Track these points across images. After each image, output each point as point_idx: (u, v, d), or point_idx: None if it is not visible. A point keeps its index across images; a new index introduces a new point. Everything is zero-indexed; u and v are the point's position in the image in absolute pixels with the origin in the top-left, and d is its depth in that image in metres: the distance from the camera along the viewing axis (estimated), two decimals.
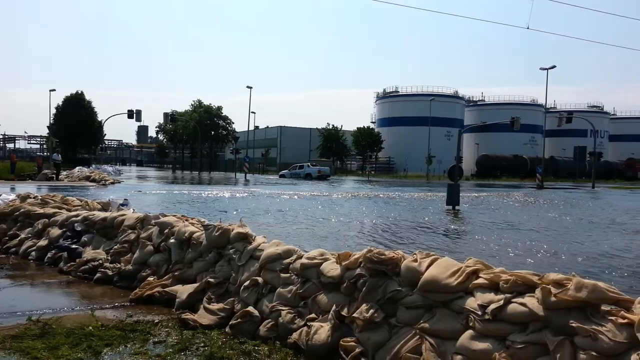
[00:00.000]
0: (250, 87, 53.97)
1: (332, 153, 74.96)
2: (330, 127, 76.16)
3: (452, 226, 12.02)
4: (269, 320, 3.97)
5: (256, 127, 79.14)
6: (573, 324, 2.67)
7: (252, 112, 62.90)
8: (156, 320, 4.26)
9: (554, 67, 41.99)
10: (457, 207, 15.79)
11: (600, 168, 62.24)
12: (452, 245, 8.78)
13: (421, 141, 66.00)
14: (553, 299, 2.77)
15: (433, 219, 12.96)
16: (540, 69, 42.53)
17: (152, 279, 5.31)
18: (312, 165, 54.08)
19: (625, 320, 2.61)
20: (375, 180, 50.47)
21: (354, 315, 3.54)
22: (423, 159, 60.51)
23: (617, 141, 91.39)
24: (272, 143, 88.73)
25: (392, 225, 11.39)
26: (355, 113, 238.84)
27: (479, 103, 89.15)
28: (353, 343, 3.44)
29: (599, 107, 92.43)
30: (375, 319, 3.44)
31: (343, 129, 76.49)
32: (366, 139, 75.72)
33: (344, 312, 3.63)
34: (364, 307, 3.54)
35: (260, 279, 4.33)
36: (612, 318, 2.66)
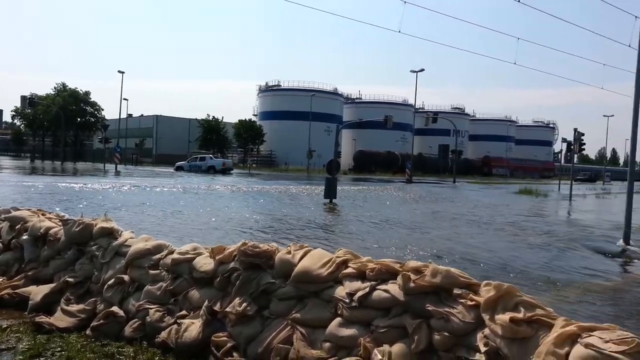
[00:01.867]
0: (122, 72, 50.70)
1: (213, 145, 73.21)
2: (211, 118, 74.27)
3: (329, 218, 12.42)
4: (136, 320, 3.76)
5: (129, 115, 74.42)
6: (429, 308, 2.89)
7: (125, 99, 59.07)
8: (4, 326, 3.82)
9: (422, 70, 45.30)
10: (334, 201, 16.34)
11: (461, 165, 68.51)
12: (327, 237, 9.06)
13: (302, 135, 67.17)
14: (412, 284, 2.98)
15: (311, 212, 13.26)
16: (411, 71, 45.63)
17: (0, 279, 4.76)
18: (215, 157, 49.49)
19: (473, 302, 2.89)
20: (257, 173, 50.34)
21: (227, 309, 3.49)
22: (304, 153, 61.62)
23: (476, 140, 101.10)
24: (147, 133, 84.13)
25: (269, 219, 11.44)
26: (237, 105, 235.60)
27: (356, 100, 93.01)
28: (225, 338, 3.39)
29: (460, 109, 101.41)
30: (248, 312, 3.43)
31: (224, 120, 75.05)
32: (248, 131, 75.10)
33: (217, 307, 3.56)
34: (237, 300, 3.51)
35: (126, 277, 4.08)
36: (463, 301, 2.93)
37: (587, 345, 2.43)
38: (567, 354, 2.50)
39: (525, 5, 16.07)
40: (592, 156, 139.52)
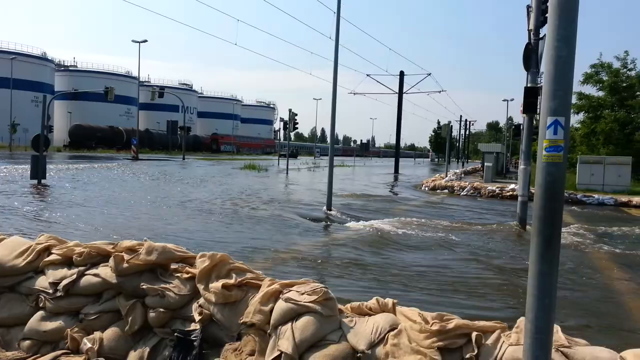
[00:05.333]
0: None
1: None
2: None
3: (35, 203, 10.88)
4: None
5: None
6: (144, 286, 2.83)
7: None
8: None
9: (145, 41, 43.13)
10: (43, 181, 14.38)
11: (190, 141, 68.66)
12: (30, 227, 7.91)
13: (3, 106, 56.64)
14: (125, 265, 2.85)
15: (9, 197, 11.37)
16: (133, 41, 43.02)
17: None
18: None
19: (189, 275, 2.94)
20: None
21: None
22: (6, 127, 52.20)
23: (205, 117, 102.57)
24: None
25: None
26: None
27: (71, 69, 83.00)
28: None
29: (188, 85, 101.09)
30: None
31: None
32: None
33: None
34: None
35: None
36: (179, 275, 2.96)
37: (286, 300, 2.75)
38: (272, 310, 2.79)
39: None
40: (306, 134, 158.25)
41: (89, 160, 32.84)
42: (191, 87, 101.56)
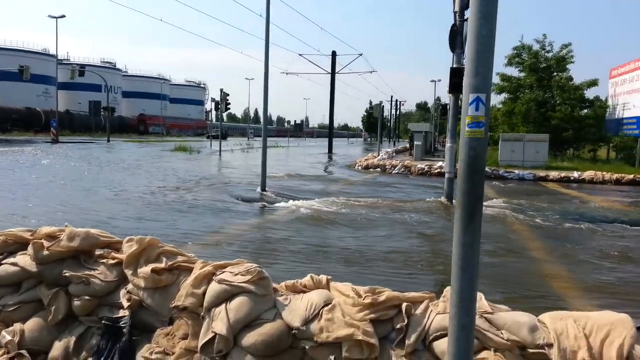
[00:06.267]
0: None
1: None
2: None
3: None
4: None
5: None
6: (67, 274, 2.68)
7: None
8: None
9: (63, 16, 40.33)
10: None
11: (115, 123, 65.47)
12: None
13: None
14: (46, 252, 2.70)
15: None
16: (49, 16, 40.08)
17: None
18: None
19: (115, 260, 2.83)
20: None
21: None
22: None
23: (130, 97, 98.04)
24: None
25: None
26: None
27: None
28: None
29: (112, 63, 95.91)
30: None
31: None
32: None
33: None
34: None
35: None
36: (104, 260, 2.83)
37: (220, 281, 2.72)
38: (204, 292, 2.74)
39: None
40: (239, 115, 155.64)
41: (4, 144, 30.57)
42: (114, 66, 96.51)
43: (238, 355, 2.52)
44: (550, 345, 2.31)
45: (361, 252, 6.00)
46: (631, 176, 18.44)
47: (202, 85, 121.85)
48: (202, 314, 2.67)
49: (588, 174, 18.92)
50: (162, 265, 2.82)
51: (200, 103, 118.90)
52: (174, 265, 2.89)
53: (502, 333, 2.38)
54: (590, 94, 31.23)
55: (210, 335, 2.55)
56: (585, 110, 30.11)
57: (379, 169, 21.28)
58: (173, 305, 2.74)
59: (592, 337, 2.33)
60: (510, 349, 2.34)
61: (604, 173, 18.91)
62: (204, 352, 2.56)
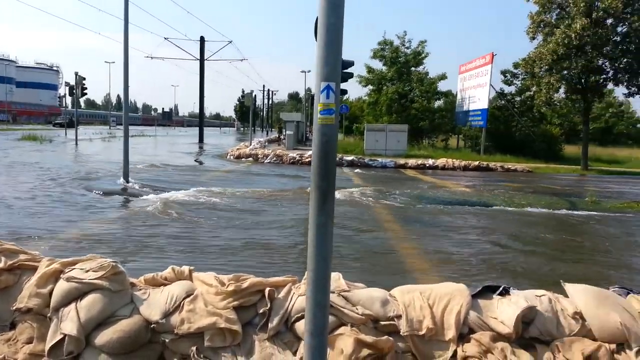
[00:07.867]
0: None
1: None
2: None
3: None
4: None
5: None
6: None
7: None
8: None
9: None
10: None
11: None
12: None
13: None
14: None
15: None
16: None
17: None
18: None
19: None
20: None
21: None
22: None
23: None
24: None
25: None
26: None
27: None
28: None
29: None
30: None
31: None
32: None
33: None
34: None
35: None
36: None
37: (68, 279, 2.52)
38: (52, 292, 2.52)
39: None
40: (100, 102, 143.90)
41: None
42: None
43: (91, 356, 2.36)
44: (399, 317, 2.52)
45: (234, 241, 5.96)
46: (476, 163, 20.70)
47: (54, 68, 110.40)
48: (49, 315, 2.46)
49: (441, 162, 20.81)
50: (1, 264, 2.53)
51: (54, 88, 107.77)
52: (15, 265, 2.61)
53: (357, 309, 2.54)
54: (443, 87, 34.30)
55: (59, 336, 2.36)
56: (438, 102, 33.04)
57: (251, 159, 21.23)
58: (14, 307, 2.49)
59: (435, 306, 2.59)
60: (364, 323, 2.51)
61: (454, 160, 20.95)
62: (52, 356, 2.36)
